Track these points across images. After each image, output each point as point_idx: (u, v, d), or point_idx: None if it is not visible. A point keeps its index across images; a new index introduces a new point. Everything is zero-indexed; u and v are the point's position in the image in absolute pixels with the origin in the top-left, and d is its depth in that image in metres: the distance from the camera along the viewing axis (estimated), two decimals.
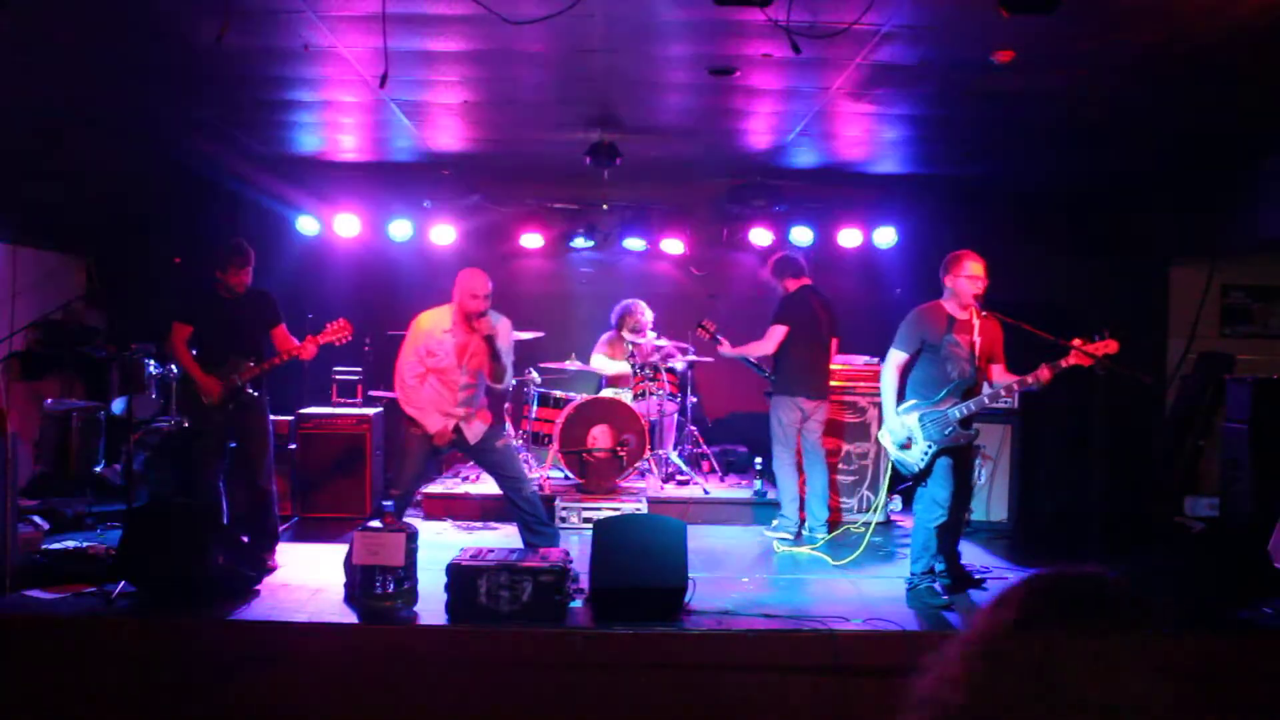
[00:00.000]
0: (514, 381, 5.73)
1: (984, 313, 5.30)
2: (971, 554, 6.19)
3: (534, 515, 5.52)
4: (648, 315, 8.02)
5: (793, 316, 6.46)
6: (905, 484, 7.38)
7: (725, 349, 6.75)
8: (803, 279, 6.64)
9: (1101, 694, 1.09)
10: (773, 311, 6.56)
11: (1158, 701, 1.13)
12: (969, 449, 5.42)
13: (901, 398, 5.35)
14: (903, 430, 5.28)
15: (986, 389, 5.27)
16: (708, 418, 8.79)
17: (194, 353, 5.56)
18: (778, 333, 6.43)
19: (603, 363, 8.06)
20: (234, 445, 5.72)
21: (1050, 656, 1.10)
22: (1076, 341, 4.95)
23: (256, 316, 5.68)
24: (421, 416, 5.43)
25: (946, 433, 5.16)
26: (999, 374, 5.35)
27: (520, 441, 7.79)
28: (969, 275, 5.24)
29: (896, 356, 5.37)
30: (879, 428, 6.97)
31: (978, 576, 5.53)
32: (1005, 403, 6.81)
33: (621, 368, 7.93)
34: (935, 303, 5.39)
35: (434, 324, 5.50)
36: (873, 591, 5.33)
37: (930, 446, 5.20)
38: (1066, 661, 1.10)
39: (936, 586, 5.21)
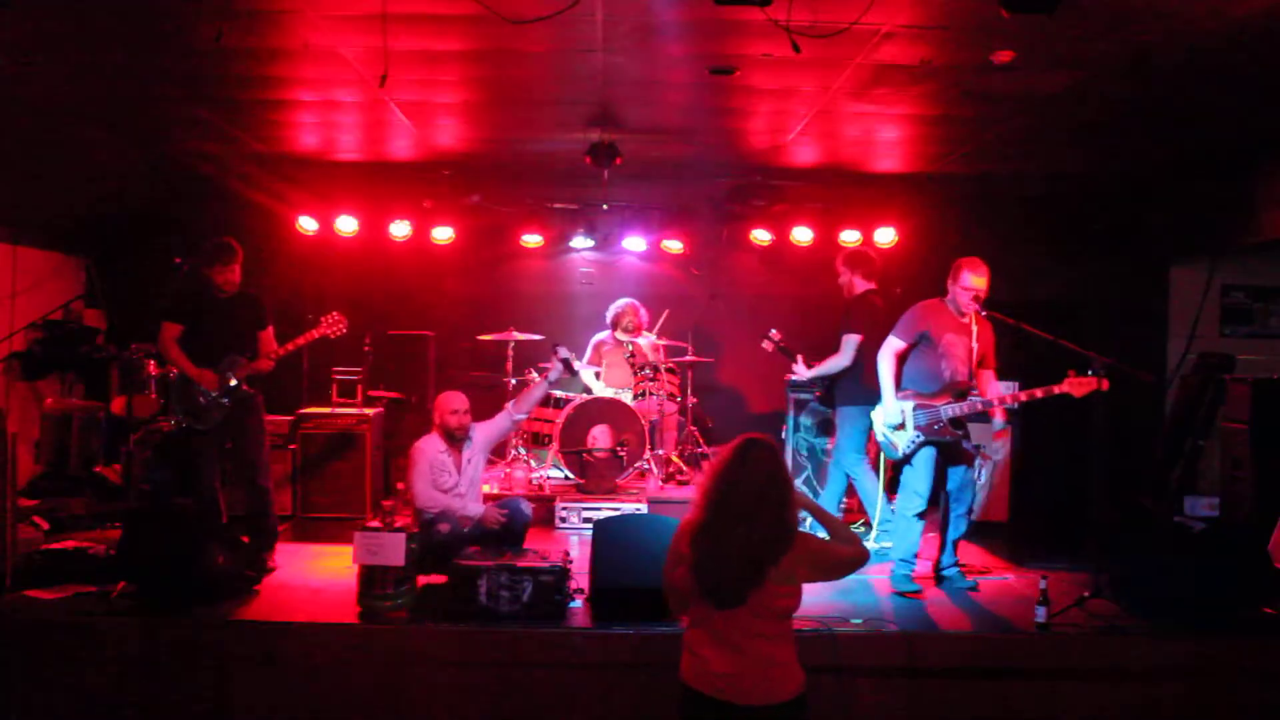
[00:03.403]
0: (514, 414, 5.95)
1: (983, 314, 5.37)
2: (972, 554, 6.20)
3: None
4: (642, 316, 8.02)
5: (865, 324, 6.14)
6: None
7: (802, 370, 6.41)
8: (871, 281, 6.37)
9: (766, 480, 3.00)
10: (843, 317, 6.23)
11: (785, 483, 3.03)
12: (956, 448, 5.45)
13: (899, 387, 5.44)
14: (898, 414, 5.39)
15: (975, 394, 5.37)
16: (708, 418, 8.79)
17: (186, 351, 5.56)
18: (854, 342, 6.11)
19: (593, 383, 7.98)
20: (230, 445, 5.72)
21: (749, 466, 3.00)
22: (1071, 374, 5.04)
23: (246, 316, 5.68)
24: (461, 511, 5.44)
25: (935, 427, 5.29)
26: (988, 379, 5.46)
27: (520, 441, 7.80)
28: (965, 286, 5.33)
29: (894, 344, 5.47)
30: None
31: (969, 579, 5.52)
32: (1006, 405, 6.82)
33: (609, 394, 7.75)
34: (939, 300, 5.45)
35: (431, 448, 5.53)
36: (873, 591, 5.32)
37: (918, 435, 5.32)
38: (756, 465, 2.99)
39: (910, 575, 5.35)
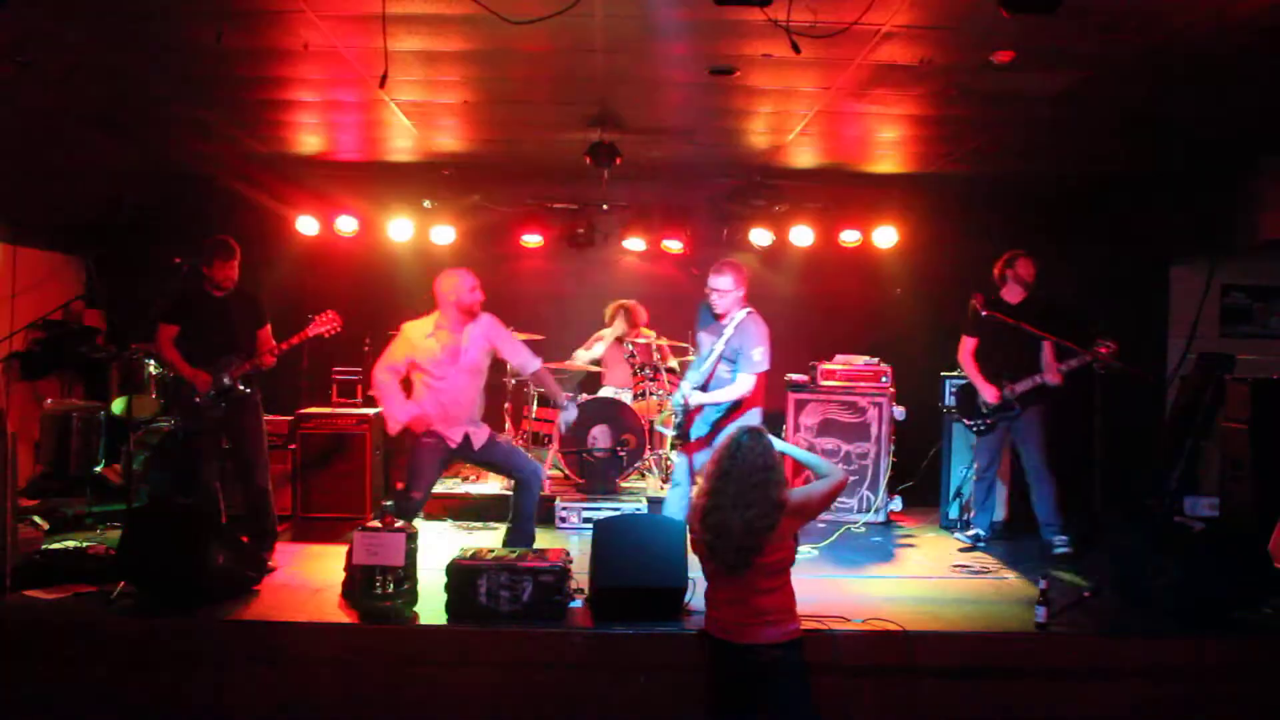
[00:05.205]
0: (536, 365, 5.76)
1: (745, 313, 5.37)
2: (972, 553, 6.22)
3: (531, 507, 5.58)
4: (641, 315, 8.01)
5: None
6: (907, 484, 7.41)
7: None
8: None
9: (757, 468, 3.57)
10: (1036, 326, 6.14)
11: (773, 466, 3.62)
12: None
13: None
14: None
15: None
16: None
17: (184, 352, 5.56)
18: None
19: (580, 354, 8.01)
20: (229, 445, 5.72)
21: (742, 455, 3.60)
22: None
23: (244, 315, 5.68)
24: (401, 412, 5.37)
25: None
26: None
27: (520, 441, 7.79)
28: None
29: None
30: (878, 427, 7.03)
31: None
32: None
33: (609, 393, 7.75)
34: None
35: (418, 333, 5.44)
36: (873, 591, 5.33)
37: None
38: (748, 454, 3.60)
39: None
